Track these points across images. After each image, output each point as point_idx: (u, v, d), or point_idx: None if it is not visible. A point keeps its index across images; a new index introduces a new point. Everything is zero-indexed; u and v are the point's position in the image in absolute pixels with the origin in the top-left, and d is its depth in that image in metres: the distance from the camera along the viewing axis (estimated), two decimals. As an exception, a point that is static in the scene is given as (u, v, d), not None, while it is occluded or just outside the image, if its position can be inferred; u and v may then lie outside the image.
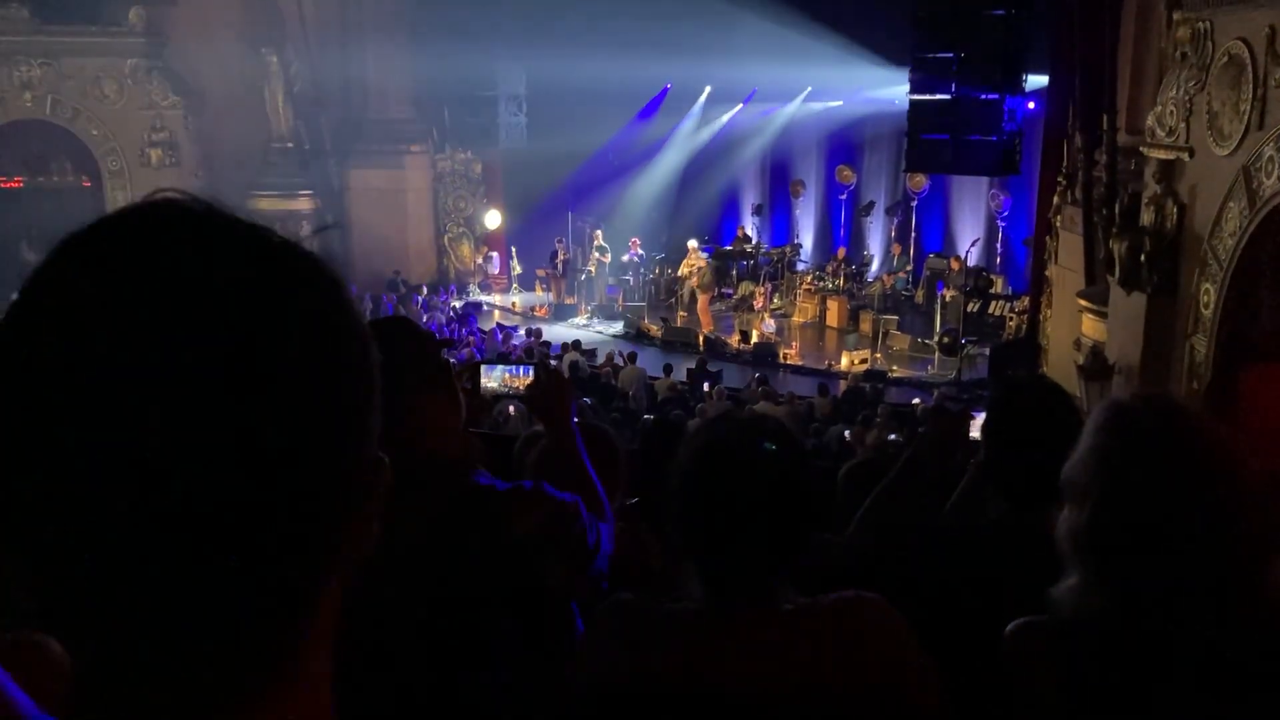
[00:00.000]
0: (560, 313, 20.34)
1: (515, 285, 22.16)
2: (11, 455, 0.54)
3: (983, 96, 13.75)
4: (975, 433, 2.59)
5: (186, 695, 0.57)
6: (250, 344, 0.55)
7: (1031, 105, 15.00)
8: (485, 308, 20.78)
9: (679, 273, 19.92)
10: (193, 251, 0.56)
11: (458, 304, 20.18)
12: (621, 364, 14.92)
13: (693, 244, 19.95)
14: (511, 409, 8.72)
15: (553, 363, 14.19)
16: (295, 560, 0.59)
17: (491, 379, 2.47)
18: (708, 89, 22.39)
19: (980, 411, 2.54)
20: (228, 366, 0.54)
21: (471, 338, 16.64)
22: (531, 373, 2.38)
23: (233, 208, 0.61)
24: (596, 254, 20.94)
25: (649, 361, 15.58)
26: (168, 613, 0.55)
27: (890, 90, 19.02)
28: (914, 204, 21.72)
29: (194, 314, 0.54)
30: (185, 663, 0.57)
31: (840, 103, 21.93)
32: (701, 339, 17.89)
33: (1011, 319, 17.14)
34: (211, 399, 0.54)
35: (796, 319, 19.25)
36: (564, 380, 2.37)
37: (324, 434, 0.58)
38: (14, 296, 0.56)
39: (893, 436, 11.08)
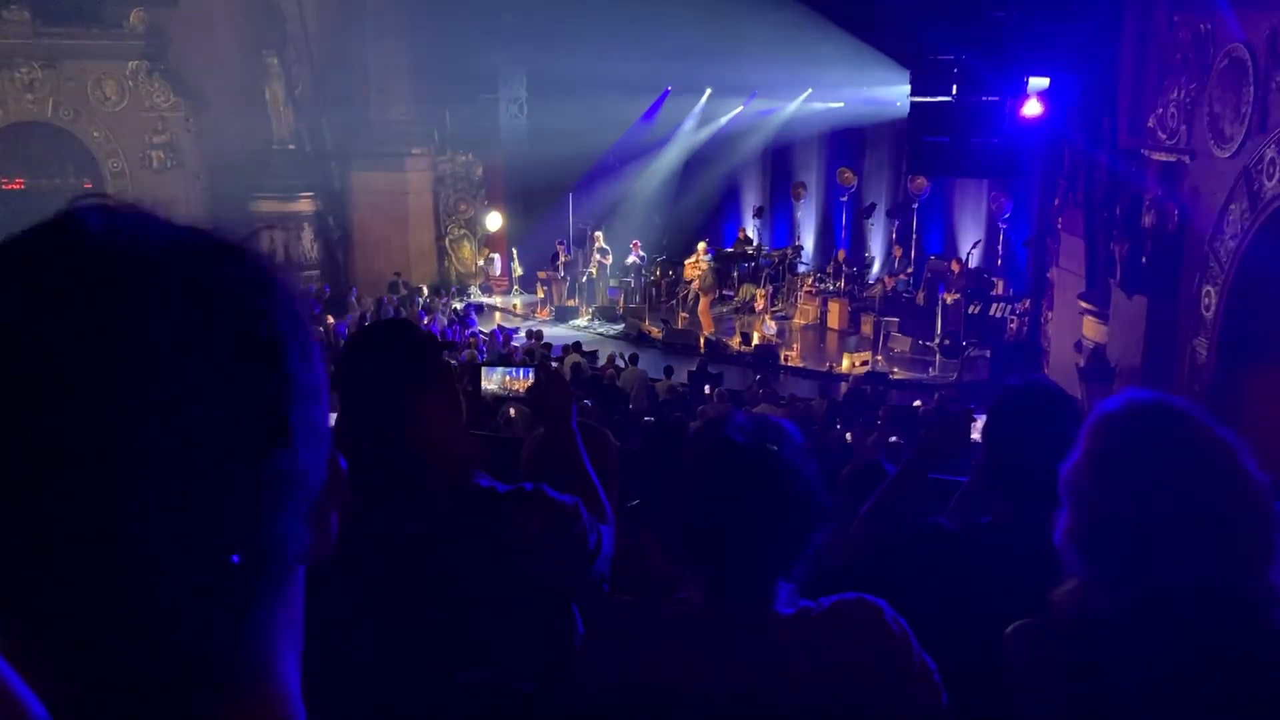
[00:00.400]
0: (561, 314, 20.34)
1: (516, 287, 22.16)
2: None
3: (984, 99, 13.76)
4: (976, 435, 2.59)
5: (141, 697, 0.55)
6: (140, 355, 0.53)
7: (1033, 108, 14.98)
8: (486, 310, 20.78)
9: (685, 274, 19.90)
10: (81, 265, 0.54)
11: (459, 306, 20.18)
12: (623, 366, 14.92)
13: (701, 246, 19.93)
14: (512, 411, 8.72)
15: (553, 364, 14.19)
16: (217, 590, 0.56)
17: (492, 381, 2.47)
18: (708, 91, 22.39)
19: (981, 413, 2.54)
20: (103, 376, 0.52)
21: (473, 339, 16.65)
22: (532, 374, 2.38)
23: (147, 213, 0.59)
24: (597, 256, 20.94)
25: (650, 363, 15.57)
26: (106, 611, 0.54)
27: (892, 92, 19.02)
28: (915, 206, 21.71)
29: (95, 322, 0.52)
30: (133, 665, 0.55)
31: (842, 103, 21.93)
32: (702, 341, 17.89)
33: (1013, 321, 17.13)
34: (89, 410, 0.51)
35: (797, 321, 19.24)
36: (564, 382, 2.37)
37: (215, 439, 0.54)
38: None
39: (894, 439, 11.08)
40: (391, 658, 1.85)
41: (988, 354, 15.83)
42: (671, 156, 23.13)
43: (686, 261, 20.04)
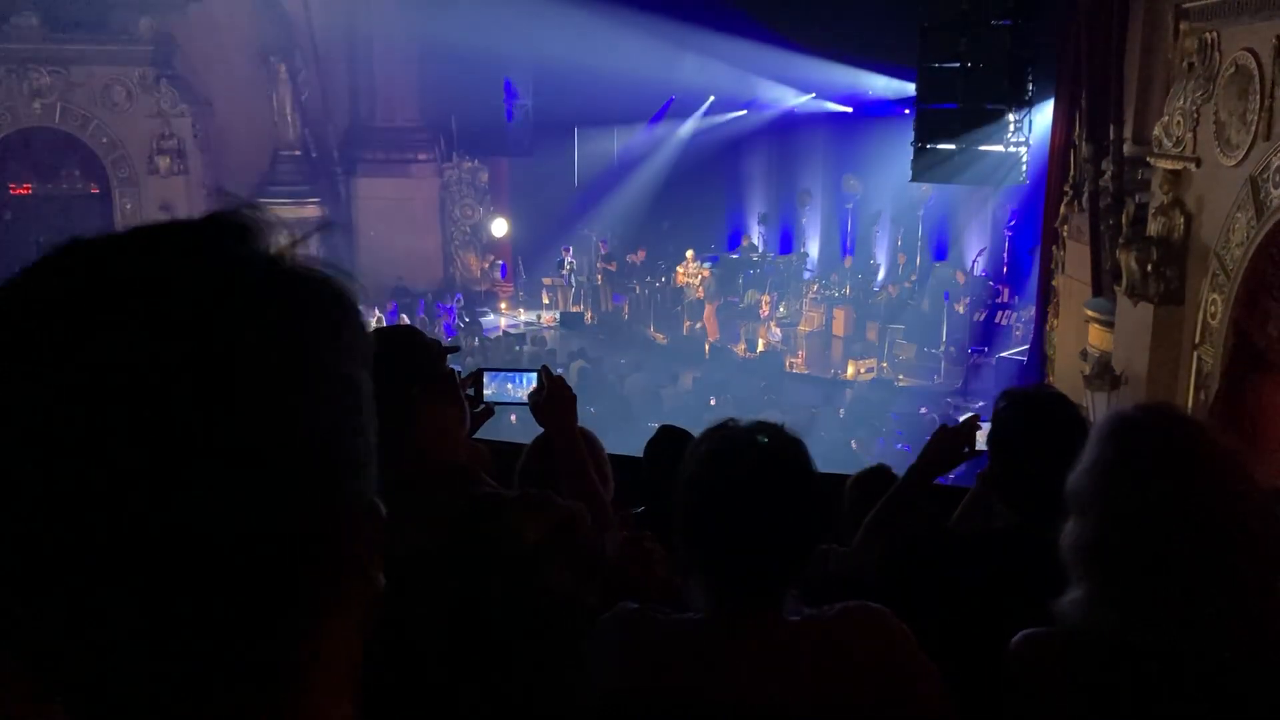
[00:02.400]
0: (566, 321, 20.35)
1: (521, 293, 22.19)
2: None
3: (989, 106, 13.75)
4: (981, 443, 2.58)
5: None
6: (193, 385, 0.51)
7: (1038, 115, 14.98)
8: (491, 315, 20.80)
9: (677, 282, 19.93)
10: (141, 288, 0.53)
11: (464, 312, 20.20)
12: (627, 372, 14.93)
13: (690, 254, 19.94)
14: (513, 417, 8.71)
15: (559, 370, 14.17)
16: (267, 615, 0.55)
17: (495, 387, 2.47)
18: (711, 98, 22.45)
19: (986, 421, 2.54)
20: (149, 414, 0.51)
21: (477, 344, 16.66)
22: (535, 380, 2.38)
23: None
24: (602, 262, 20.96)
25: (654, 370, 15.57)
26: (136, 670, 0.52)
27: (897, 99, 19.04)
28: (920, 213, 21.70)
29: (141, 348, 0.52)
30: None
31: (850, 110, 21.96)
32: (707, 347, 17.88)
33: (1018, 328, 17.11)
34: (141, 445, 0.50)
35: (803, 327, 19.24)
36: (567, 388, 2.36)
37: (278, 479, 0.53)
38: None
39: (899, 446, 11.06)
40: (395, 666, 1.84)
41: (993, 361, 15.82)
42: (676, 164, 23.15)
43: (678, 269, 20.06)
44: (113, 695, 0.53)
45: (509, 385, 2.50)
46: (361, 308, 0.64)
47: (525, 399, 2.38)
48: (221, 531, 0.52)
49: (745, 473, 1.59)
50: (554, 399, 2.28)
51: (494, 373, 2.50)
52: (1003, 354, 16.09)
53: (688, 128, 23.02)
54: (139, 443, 0.51)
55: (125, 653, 0.52)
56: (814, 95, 21.81)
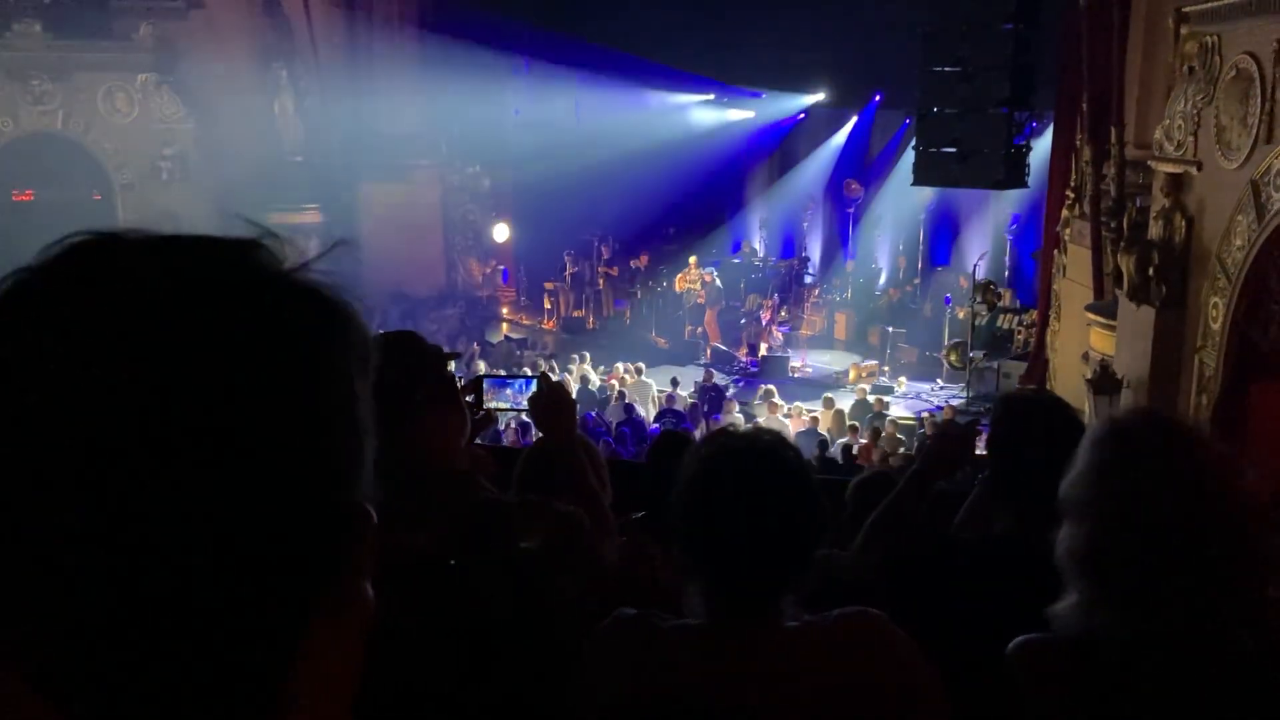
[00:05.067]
0: (568, 326, 20.36)
1: (523, 298, 22.18)
2: None
3: (991, 110, 13.76)
4: (982, 448, 2.58)
5: None
6: (197, 392, 0.52)
7: (1039, 119, 14.99)
8: (493, 321, 20.80)
9: (676, 288, 19.95)
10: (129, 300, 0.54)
11: (466, 318, 20.22)
12: (629, 377, 14.93)
13: (693, 260, 19.94)
14: (513, 422, 8.72)
15: (564, 375, 14.20)
16: (260, 623, 0.55)
17: (495, 393, 2.48)
18: (711, 95, 22.51)
19: (986, 425, 2.54)
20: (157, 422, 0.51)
21: (478, 349, 16.67)
22: (535, 385, 2.38)
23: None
24: (604, 267, 20.96)
25: (657, 375, 15.58)
26: (131, 676, 0.53)
27: (897, 103, 19.08)
28: (921, 217, 21.71)
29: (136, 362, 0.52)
30: None
31: (854, 118, 22.03)
32: (709, 352, 17.89)
33: (1020, 332, 17.11)
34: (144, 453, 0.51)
35: (804, 331, 19.24)
36: (566, 393, 2.37)
37: (276, 480, 0.54)
38: None
39: (900, 450, 11.05)
40: (396, 671, 1.85)
41: (995, 365, 15.82)
42: (678, 168, 23.16)
43: (679, 275, 20.07)
44: (103, 701, 0.53)
45: (508, 391, 2.50)
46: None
47: (525, 405, 2.38)
48: (218, 534, 0.53)
49: (743, 479, 1.59)
50: (552, 403, 2.29)
51: (495, 379, 2.50)
52: (1004, 358, 16.10)
53: (694, 137, 23.05)
54: (137, 444, 0.51)
55: (116, 657, 0.52)
56: (820, 96, 21.86)
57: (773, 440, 1.68)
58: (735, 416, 12.83)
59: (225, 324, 0.55)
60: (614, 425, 12.27)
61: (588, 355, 16.33)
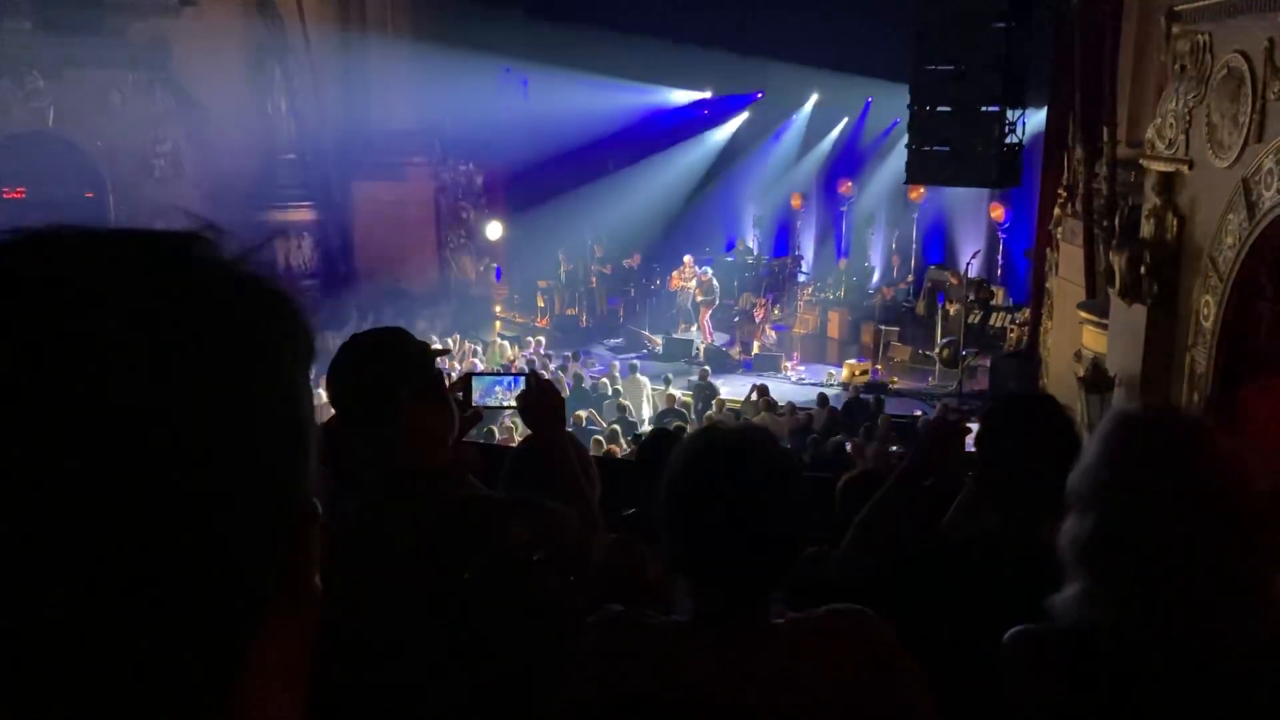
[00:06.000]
0: (561, 324, 20.34)
1: (516, 296, 22.16)
2: None
3: (983, 109, 13.77)
4: (971, 445, 2.58)
5: None
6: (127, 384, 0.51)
7: (1031, 117, 15.01)
8: (485, 319, 20.77)
9: (670, 286, 19.95)
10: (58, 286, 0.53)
11: (456, 315, 20.18)
12: (623, 376, 14.93)
13: (688, 259, 19.95)
14: (507, 420, 8.71)
15: (559, 374, 14.19)
16: (206, 623, 0.54)
17: (484, 390, 2.47)
18: (708, 91, 22.51)
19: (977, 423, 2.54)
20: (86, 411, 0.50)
21: (468, 346, 16.65)
22: (523, 382, 2.38)
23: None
24: (597, 265, 20.95)
25: (650, 373, 15.58)
26: (75, 679, 0.52)
27: (892, 101, 19.09)
28: (914, 216, 21.74)
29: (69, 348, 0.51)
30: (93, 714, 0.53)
31: (845, 118, 22.04)
32: (702, 350, 17.89)
33: (1013, 330, 17.15)
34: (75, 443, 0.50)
35: (797, 330, 19.27)
36: (555, 390, 2.36)
37: (212, 480, 0.53)
38: None
39: (894, 449, 11.06)
40: (384, 666, 1.84)
41: (988, 363, 15.85)
42: (672, 167, 23.18)
43: (673, 273, 20.07)
44: (51, 696, 0.52)
45: (498, 389, 2.49)
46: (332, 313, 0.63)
47: (514, 402, 2.38)
48: (164, 531, 0.52)
49: (730, 475, 1.59)
50: (542, 402, 2.28)
51: (483, 376, 2.49)
52: (997, 356, 16.13)
53: (689, 136, 23.07)
54: (71, 444, 0.50)
55: (64, 653, 0.52)
56: (815, 96, 21.88)
57: (759, 436, 1.67)
58: (725, 414, 12.84)
59: (157, 317, 0.53)
60: (607, 424, 12.27)
61: (580, 353, 16.31)
